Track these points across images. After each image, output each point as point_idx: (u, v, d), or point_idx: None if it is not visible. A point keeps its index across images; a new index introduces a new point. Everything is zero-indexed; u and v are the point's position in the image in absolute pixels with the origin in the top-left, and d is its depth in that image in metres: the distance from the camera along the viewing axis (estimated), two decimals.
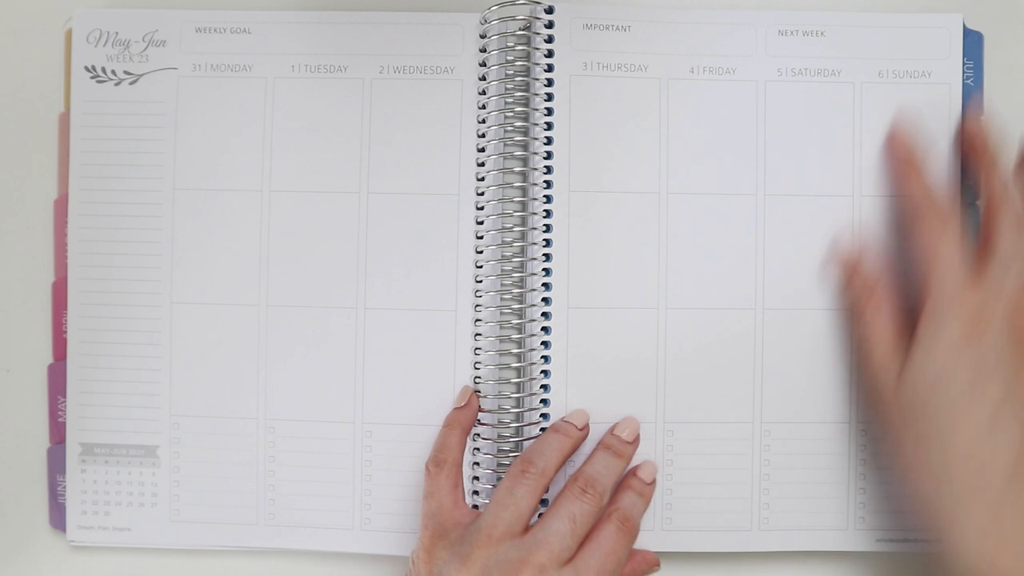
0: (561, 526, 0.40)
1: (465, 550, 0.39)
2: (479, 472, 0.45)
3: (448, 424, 0.44)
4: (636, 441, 0.45)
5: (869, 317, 0.43)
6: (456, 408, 0.45)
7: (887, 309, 0.43)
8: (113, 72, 0.46)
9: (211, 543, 0.46)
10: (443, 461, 0.43)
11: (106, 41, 0.46)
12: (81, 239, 0.46)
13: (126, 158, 0.46)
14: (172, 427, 0.46)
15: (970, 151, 0.45)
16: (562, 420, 0.44)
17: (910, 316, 0.42)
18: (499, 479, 0.44)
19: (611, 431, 0.44)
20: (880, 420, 0.43)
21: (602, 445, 0.44)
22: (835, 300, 0.46)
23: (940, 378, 0.40)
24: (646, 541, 0.45)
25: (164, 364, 0.46)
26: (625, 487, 0.44)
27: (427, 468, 0.43)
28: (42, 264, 0.47)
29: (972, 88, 0.46)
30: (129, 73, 0.46)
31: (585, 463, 0.43)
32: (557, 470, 0.42)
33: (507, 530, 0.40)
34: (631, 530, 0.42)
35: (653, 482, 0.44)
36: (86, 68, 0.46)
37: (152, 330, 0.46)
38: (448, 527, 0.41)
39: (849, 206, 0.46)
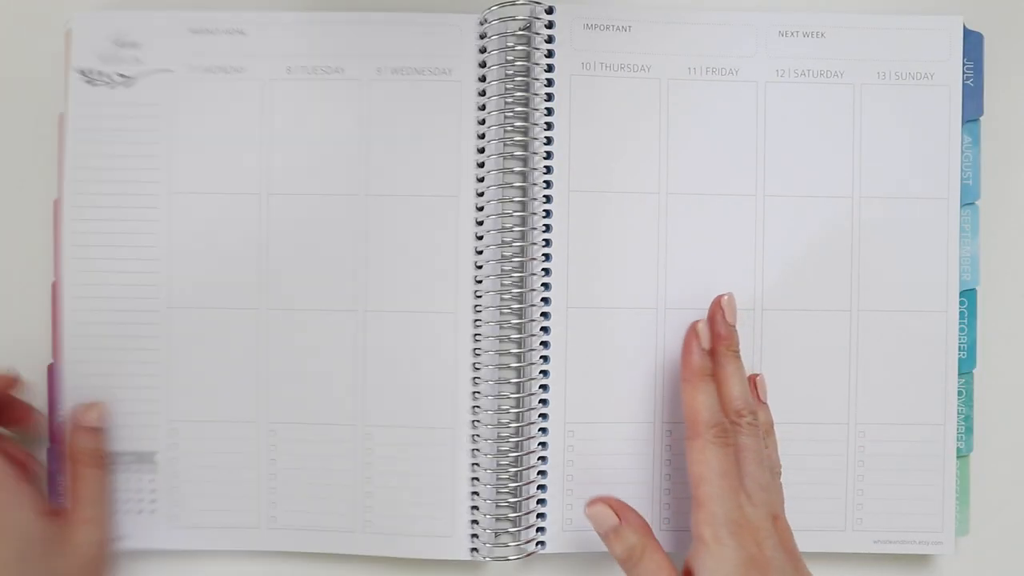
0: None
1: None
2: (479, 472, 0.45)
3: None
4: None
5: (651, 565, 0.41)
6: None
7: (662, 553, 0.42)
8: (108, 75, 0.46)
9: (213, 547, 0.46)
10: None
11: (102, 44, 0.46)
12: (75, 243, 0.46)
13: (122, 161, 0.46)
14: (170, 433, 0.46)
15: (713, 339, 0.44)
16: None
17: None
18: (499, 479, 0.44)
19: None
20: None
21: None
22: (834, 301, 0.46)
23: None
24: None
25: (161, 368, 0.45)
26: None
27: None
28: (42, 264, 0.47)
29: (972, 89, 0.46)
30: (124, 76, 0.46)
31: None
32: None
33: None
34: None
35: None
36: (81, 72, 0.46)
37: (149, 334, 0.46)
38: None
39: (848, 207, 0.46)
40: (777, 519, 0.41)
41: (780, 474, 0.44)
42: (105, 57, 0.46)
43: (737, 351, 0.43)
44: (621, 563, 0.42)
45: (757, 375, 0.45)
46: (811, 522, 0.45)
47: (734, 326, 0.44)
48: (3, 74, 0.48)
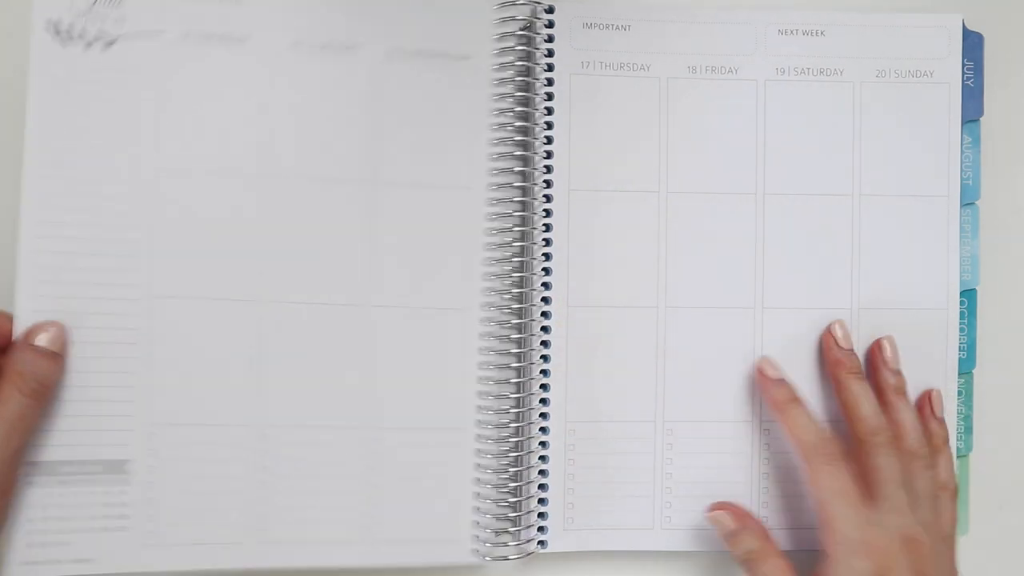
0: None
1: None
2: (481, 474, 0.45)
3: None
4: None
5: (768, 569, 0.42)
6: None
7: (782, 558, 0.42)
8: (82, 33, 0.40)
9: (196, 567, 0.41)
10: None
11: None
12: (40, 222, 0.40)
13: (97, 134, 0.41)
14: (147, 438, 0.41)
15: (830, 366, 0.45)
16: None
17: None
18: (500, 479, 0.44)
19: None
20: None
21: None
22: (834, 299, 0.46)
23: None
24: (646, 541, 0.45)
25: (139, 366, 0.41)
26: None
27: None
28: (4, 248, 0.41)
29: (972, 89, 0.46)
30: (102, 35, 0.40)
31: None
32: None
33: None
34: None
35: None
36: (49, 25, 0.40)
37: (125, 327, 0.41)
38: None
39: (849, 205, 0.46)
40: (913, 542, 0.41)
41: (953, 492, 0.44)
42: (80, 10, 0.40)
43: (858, 372, 0.44)
44: (740, 565, 0.43)
45: (932, 390, 0.45)
46: (810, 519, 0.45)
47: (850, 350, 0.44)
48: None
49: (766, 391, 0.44)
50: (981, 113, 0.46)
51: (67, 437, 0.41)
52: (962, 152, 0.46)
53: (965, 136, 0.46)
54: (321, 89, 0.43)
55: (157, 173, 0.41)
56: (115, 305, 0.41)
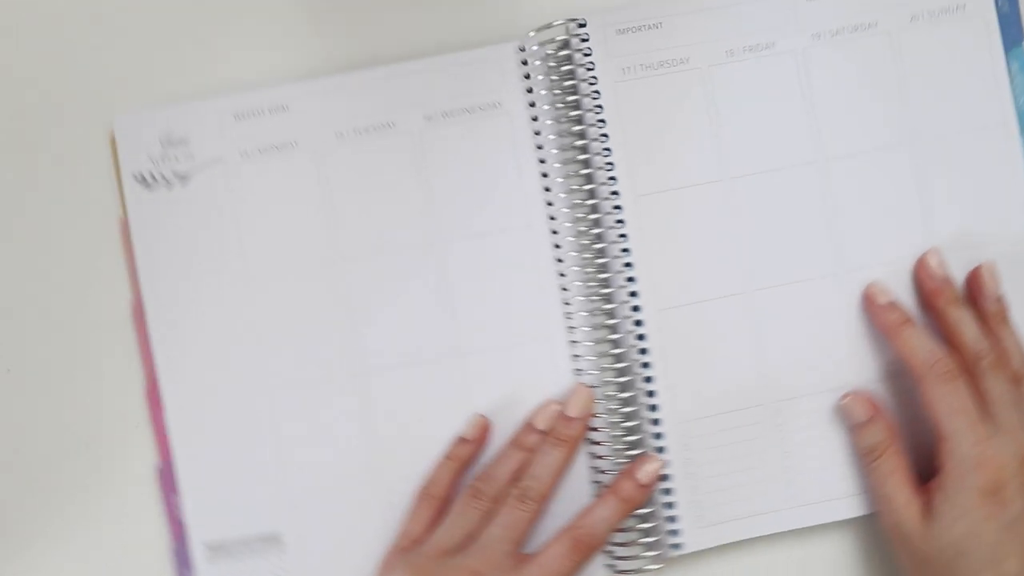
0: (499, 533, 0.42)
1: (418, 562, 0.42)
2: (598, 477, 0.45)
3: (448, 456, 0.45)
4: (584, 416, 0.44)
5: (890, 464, 0.43)
6: (460, 439, 0.45)
7: (904, 458, 0.43)
8: (163, 176, 0.45)
9: None
10: (431, 496, 0.44)
11: (150, 145, 0.45)
12: (166, 343, 0.45)
13: (194, 258, 0.45)
14: (293, 509, 0.45)
15: (927, 297, 0.45)
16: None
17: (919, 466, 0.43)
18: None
19: (562, 408, 0.44)
20: (904, 561, 0.43)
21: (548, 435, 0.44)
22: (913, 249, 0.46)
23: (966, 539, 0.40)
24: (777, 523, 0.45)
25: (272, 448, 0.45)
26: (608, 494, 0.43)
27: (418, 495, 0.44)
28: (130, 368, 0.47)
29: (1008, 15, 0.46)
30: (178, 174, 0.45)
31: (529, 463, 0.43)
32: (509, 486, 0.43)
33: (456, 545, 0.42)
34: (584, 551, 0.42)
35: (650, 484, 0.44)
36: (135, 177, 0.45)
37: (254, 418, 0.45)
38: (411, 548, 0.43)
39: (909, 153, 0.46)
40: None
41: None
42: (156, 158, 0.45)
43: (957, 299, 0.44)
44: (861, 456, 0.44)
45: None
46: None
47: (946, 278, 0.44)
48: (53, 178, 0.47)
49: (877, 316, 0.44)
50: (1022, 37, 0.46)
51: (231, 517, 0.45)
52: (1011, 79, 0.46)
53: (1011, 63, 0.46)
54: (371, 168, 0.46)
55: (250, 278, 0.46)
56: (246, 399, 0.45)
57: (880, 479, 0.43)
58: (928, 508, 0.42)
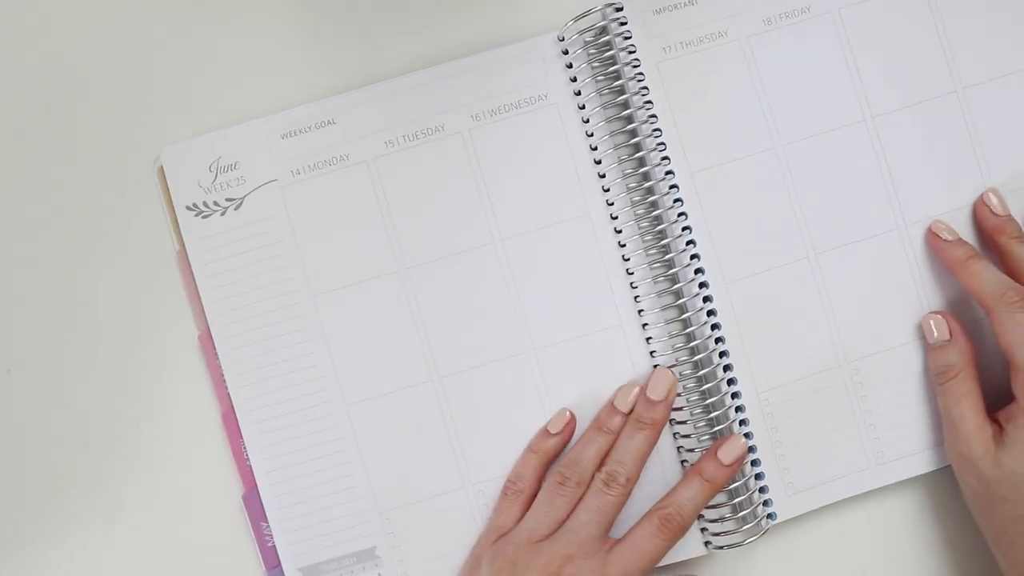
0: (587, 517, 0.42)
1: (508, 550, 0.42)
2: (685, 456, 0.45)
3: (531, 449, 0.45)
4: (667, 399, 0.44)
5: (963, 387, 0.43)
6: (545, 432, 0.45)
7: (977, 384, 0.43)
8: (215, 203, 0.45)
9: None
10: (518, 491, 0.44)
11: (200, 173, 0.45)
12: (238, 373, 0.45)
13: (256, 281, 0.45)
14: (383, 522, 0.45)
15: (989, 234, 0.45)
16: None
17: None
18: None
19: (642, 391, 0.44)
20: (971, 487, 0.43)
21: (630, 419, 0.44)
22: (971, 195, 0.46)
23: None
24: (865, 482, 0.45)
25: (356, 466, 0.45)
26: (693, 474, 0.43)
27: (504, 490, 0.45)
28: (204, 399, 0.47)
29: None
30: (231, 200, 0.45)
31: (614, 448, 0.43)
32: (594, 471, 0.43)
33: (545, 532, 0.42)
34: (674, 530, 0.42)
35: (734, 463, 0.43)
36: (188, 208, 0.45)
37: (334, 437, 0.45)
38: (500, 539, 0.44)
39: (956, 102, 0.46)
40: None
41: None
42: (207, 186, 0.45)
43: (1020, 235, 0.44)
44: (934, 377, 0.44)
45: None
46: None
47: (1008, 215, 0.44)
48: (104, 212, 0.47)
49: (943, 253, 0.44)
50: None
51: (324, 539, 0.45)
52: None
53: None
54: (425, 172, 0.45)
55: (314, 297, 0.45)
56: (321, 420, 0.45)
57: (952, 400, 0.43)
58: (999, 436, 0.41)
